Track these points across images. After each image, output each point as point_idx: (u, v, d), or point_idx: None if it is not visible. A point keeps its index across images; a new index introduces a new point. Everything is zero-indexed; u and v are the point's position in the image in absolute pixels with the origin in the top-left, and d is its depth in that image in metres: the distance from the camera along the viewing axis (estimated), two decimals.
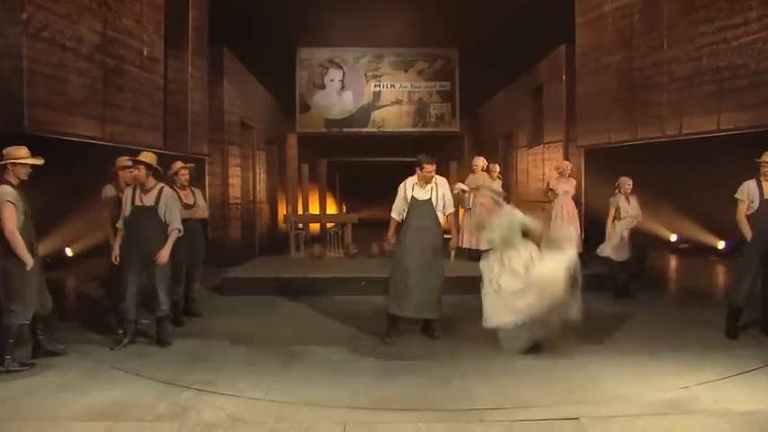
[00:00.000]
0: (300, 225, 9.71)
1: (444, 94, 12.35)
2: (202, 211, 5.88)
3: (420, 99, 12.34)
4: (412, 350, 4.57)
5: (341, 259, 8.82)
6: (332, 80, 12.32)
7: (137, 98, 6.81)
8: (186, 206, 5.59)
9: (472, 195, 8.08)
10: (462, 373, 3.93)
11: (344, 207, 12.48)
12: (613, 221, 6.65)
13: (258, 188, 10.66)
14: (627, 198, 6.69)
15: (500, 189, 8.38)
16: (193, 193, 5.81)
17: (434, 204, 4.97)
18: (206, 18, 8.53)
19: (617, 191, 6.75)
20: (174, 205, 4.85)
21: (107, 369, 4.07)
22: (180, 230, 4.82)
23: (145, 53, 6.94)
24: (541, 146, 9.88)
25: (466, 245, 8.12)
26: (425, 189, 5.01)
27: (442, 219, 5.05)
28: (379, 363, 4.27)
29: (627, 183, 6.71)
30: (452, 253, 8.21)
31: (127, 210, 4.66)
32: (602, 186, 8.93)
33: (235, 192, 9.46)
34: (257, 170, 10.59)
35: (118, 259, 4.66)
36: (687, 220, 9.96)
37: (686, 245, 10.39)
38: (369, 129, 12.35)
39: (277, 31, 11.43)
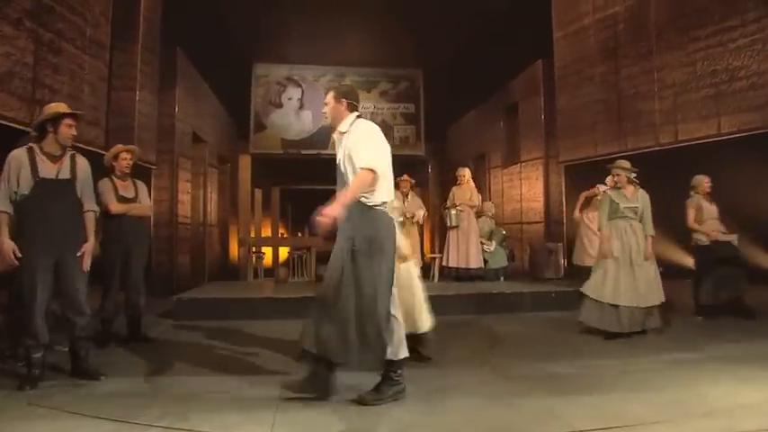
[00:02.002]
0: (254, 249, 8.60)
1: (408, 116, 11.86)
2: (144, 208, 4.72)
3: (383, 121, 11.73)
4: (436, 368, 3.62)
5: (309, 284, 7.74)
6: (290, 99, 11.51)
7: (76, 84, 5.67)
8: (123, 199, 4.49)
9: (455, 212, 7.36)
10: (524, 391, 3.05)
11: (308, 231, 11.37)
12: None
13: (209, 209, 9.46)
14: (708, 199, 5.86)
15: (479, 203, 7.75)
16: (135, 186, 4.65)
17: (342, 166, 3.00)
18: (159, 11, 7.56)
19: (692, 192, 5.87)
20: (90, 179, 3.57)
21: (21, 406, 2.84)
22: (96, 211, 3.57)
23: (88, 34, 5.86)
24: (518, 165, 9.47)
25: (452, 264, 7.34)
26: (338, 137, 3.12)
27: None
28: (407, 385, 3.29)
29: (705, 181, 5.79)
30: (436, 273, 7.53)
31: (25, 184, 3.13)
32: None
33: (184, 210, 8.25)
34: (209, 189, 9.43)
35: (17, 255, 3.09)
36: (662, 237, 9.72)
37: (661, 268, 10.12)
38: (329, 151, 11.52)
39: (232, 44, 10.59)
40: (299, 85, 11.60)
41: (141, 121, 7.00)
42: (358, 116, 3.13)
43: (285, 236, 13.29)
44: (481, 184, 10.71)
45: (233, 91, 10.78)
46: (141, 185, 4.75)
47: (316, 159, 11.57)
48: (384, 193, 2.95)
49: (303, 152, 11.41)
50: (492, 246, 7.56)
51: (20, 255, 3.10)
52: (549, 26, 8.70)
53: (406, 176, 7.43)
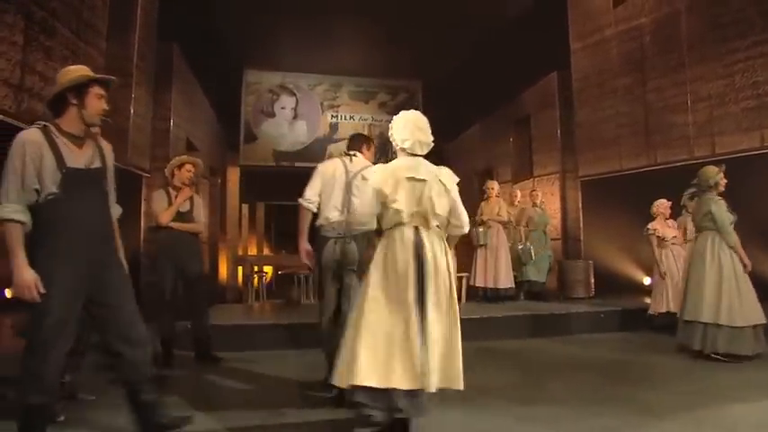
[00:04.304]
0: (257, 268, 7.82)
1: None
2: (198, 225, 4.32)
3: (381, 134, 11.18)
4: (556, 405, 3.02)
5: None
6: (283, 108, 10.80)
7: None
8: (178, 213, 4.16)
9: (482, 230, 6.78)
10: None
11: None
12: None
13: None
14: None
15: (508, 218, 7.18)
16: (191, 200, 4.25)
17: None
18: (156, 2, 6.82)
19: (684, 210, 5.83)
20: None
21: None
22: (120, 214, 2.74)
23: (84, 16, 5.08)
24: (531, 180, 9.06)
25: (480, 284, 6.77)
26: None
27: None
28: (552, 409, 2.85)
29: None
30: (463, 293, 6.94)
31: (50, 178, 2.23)
32: (602, 221, 8.24)
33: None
34: None
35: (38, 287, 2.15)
36: None
37: None
38: None
39: (224, 46, 9.87)
40: (294, 94, 10.93)
41: (136, 123, 6.20)
42: None
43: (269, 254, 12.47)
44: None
45: (223, 97, 10.01)
46: (198, 200, 4.33)
47: (310, 173, 10.85)
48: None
49: (297, 165, 10.67)
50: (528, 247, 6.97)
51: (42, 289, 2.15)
52: (565, 37, 8.43)
53: None
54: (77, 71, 2.40)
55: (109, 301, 2.34)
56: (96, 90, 2.39)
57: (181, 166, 4.18)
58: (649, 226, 5.85)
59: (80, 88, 2.33)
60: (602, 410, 3.02)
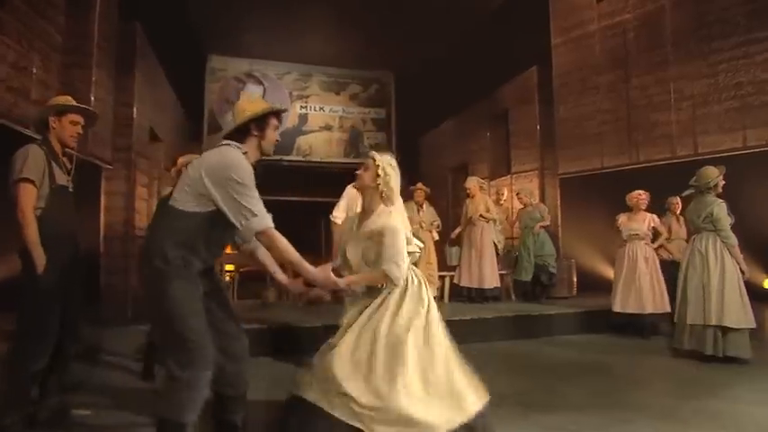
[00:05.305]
0: (231, 267, 7.35)
1: (379, 122, 11.01)
2: None
3: (353, 126, 10.83)
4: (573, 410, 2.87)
5: (309, 306, 6.51)
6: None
7: (24, 52, 4.28)
8: None
9: (454, 249, 6.63)
10: None
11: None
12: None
13: None
14: (677, 218, 5.87)
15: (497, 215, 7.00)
16: None
17: None
18: None
19: (668, 211, 5.87)
20: None
21: None
22: None
23: None
24: (509, 176, 8.95)
25: (464, 284, 6.58)
26: None
27: None
28: (574, 416, 2.79)
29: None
30: (447, 292, 6.72)
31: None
32: (581, 219, 8.24)
33: (141, 221, 6.79)
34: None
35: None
36: None
37: None
38: (292, 157, 10.40)
39: (188, 28, 9.20)
40: (261, 83, 10.37)
41: (96, 108, 5.56)
42: None
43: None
44: (462, 196, 10.11)
45: (186, 83, 9.35)
46: None
47: (277, 166, 10.32)
48: None
49: (263, 157, 10.12)
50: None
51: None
52: (545, 32, 8.33)
53: (420, 185, 6.56)
54: (262, 103, 2.50)
55: (213, 308, 2.39)
56: (274, 122, 2.46)
57: (188, 165, 3.78)
58: (617, 217, 5.87)
59: (262, 120, 2.39)
60: (625, 417, 2.97)
